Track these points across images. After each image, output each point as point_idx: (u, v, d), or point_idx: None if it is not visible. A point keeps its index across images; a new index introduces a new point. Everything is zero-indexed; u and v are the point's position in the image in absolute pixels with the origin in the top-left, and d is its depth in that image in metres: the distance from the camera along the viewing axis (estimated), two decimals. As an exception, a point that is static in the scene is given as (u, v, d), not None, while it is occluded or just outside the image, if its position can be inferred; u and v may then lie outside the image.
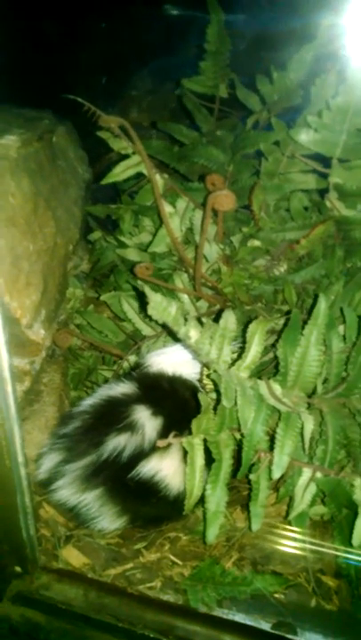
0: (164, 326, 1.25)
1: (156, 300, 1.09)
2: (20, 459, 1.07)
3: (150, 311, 1.09)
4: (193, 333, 1.14)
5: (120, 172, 1.61)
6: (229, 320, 1.22)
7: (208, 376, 1.22)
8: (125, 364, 1.64)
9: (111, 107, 2.44)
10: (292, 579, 1.29)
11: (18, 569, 1.21)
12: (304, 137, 1.45)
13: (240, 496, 1.44)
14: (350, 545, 1.22)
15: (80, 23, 2.29)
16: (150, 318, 1.12)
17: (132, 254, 1.72)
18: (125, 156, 1.62)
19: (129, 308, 1.64)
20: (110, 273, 1.86)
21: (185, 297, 1.61)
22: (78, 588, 1.19)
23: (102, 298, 1.73)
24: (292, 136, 1.49)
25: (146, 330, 1.64)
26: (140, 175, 1.67)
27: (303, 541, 1.35)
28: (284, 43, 1.89)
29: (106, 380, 1.68)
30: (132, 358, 1.63)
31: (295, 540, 1.36)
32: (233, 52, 1.83)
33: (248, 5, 2.10)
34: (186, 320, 1.15)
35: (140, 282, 1.28)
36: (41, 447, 1.41)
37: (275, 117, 1.61)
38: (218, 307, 1.62)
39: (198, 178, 1.78)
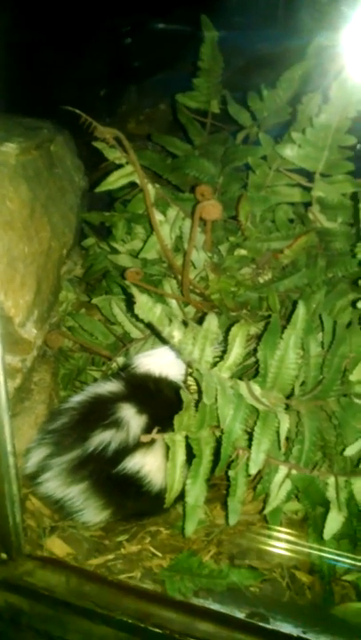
0: (150, 326, 1.31)
1: (142, 300, 1.15)
2: (9, 448, 1.12)
3: (136, 310, 1.15)
4: (176, 333, 1.20)
5: (114, 181, 1.67)
6: (212, 322, 1.28)
7: (191, 375, 1.28)
8: (114, 366, 1.70)
9: (109, 118, 2.52)
10: (267, 574, 1.33)
11: (3, 555, 1.25)
12: (289, 152, 1.52)
13: (220, 494, 1.48)
14: (324, 542, 1.28)
15: (81, 36, 2.37)
16: (138, 319, 1.18)
17: (123, 260, 1.78)
18: (119, 166, 1.69)
19: (119, 311, 1.70)
20: (102, 278, 1.92)
21: (173, 302, 1.67)
22: (60, 575, 1.24)
23: (94, 301, 1.79)
24: (278, 151, 1.56)
25: (135, 332, 1.69)
26: (133, 184, 1.73)
27: (279, 538, 1.40)
28: (275, 61, 1.98)
29: (95, 381, 1.74)
30: (121, 360, 1.69)
31: (271, 536, 1.41)
32: (226, 69, 1.91)
33: (242, 24, 2.18)
34: (170, 321, 1.21)
35: (127, 283, 1.34)
36: (30, 442, 1.47)
37: (263, 133, 1.68)
38: (205, 312, 1.68)
39: (190, 189, 1.85)
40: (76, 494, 1.36)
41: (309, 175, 1.58)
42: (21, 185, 1.52)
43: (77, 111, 1.53)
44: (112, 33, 2.50)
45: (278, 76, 1.75)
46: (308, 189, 1.58)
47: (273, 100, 1.76)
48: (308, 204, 1.61)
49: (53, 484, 1.36)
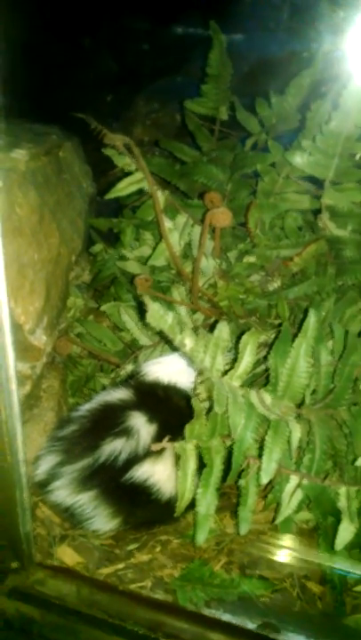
0: (161, 334, 1.31)
1: (154, 308, 1.15)
2: (21, 456, 1.12)
3: (148, 319, 1.15)
4: (188, 341, 1.20)
5: (123, 188, 1.68)
6: (223, 330, 1.27)
7: (201, 383, 1.28)
8: (123, 373, 1.70)
9: (116, 123, 2.52)
10: (277, 583, 1.33)
11: (14, 564, 1.25)
12: (299, 159, 1.52)
13: (230, 503, 1.48)
14: (335, 552, 1.27)
15: (87, 41, 2.37)
16: (148, 327, 1.18)
17: (132, 267, 1.78)
18: (129, 173, 1.69)
19: (128, 318, 1.69)
20: (111, 284, 1.92)
21: (182, 309, 1.66)
22: (72, 584, 1.24)
23: (102, 308, 1.79)
24: (287, 158, 1.56)
25: (143, 339, 1.69)
26: (142, 191, 1.74)
27: (290, 548, 1.40)
28: (284, 67, 1.98)
29: (103, 388, 1.73)
30: (130, 367, 1.69)
31: (282, 546, 1.40)
32: (235, 75, 1.91)
33: (249, 28, 2.18)
34: (182, 329, 1.21)
35: (139, 292, 1.34)
36: (39, 449, 1.46)
37: (272, 140, 1.68)
38: (214, 319, 1.68)
39: (198, 195, 1.85)
40: (86, 502, 1.35)
41: (319, 182, 1.58)
42: (30, 191, 1.52)
43: (88, 118, 1.53)
44: (118, 37, 2.50)
45: (286, 82, 1.75)
46: (317, 197, 1.58)
47: (282, 106, 1.76)
48: (317, 212, 1.61)
49: (64, 493, 1.36)
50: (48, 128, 1.84)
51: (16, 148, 1.55)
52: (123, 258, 1.82)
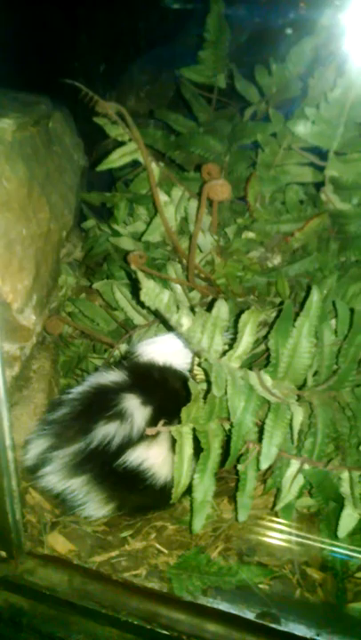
0: (157, 314, 1.24)
1: (149, 286, 1.09)
2: (8, 442, 1.06)
3: (143, 297, 1.09)
4: (185, 321, 1.14)
5: (116, 159, 1.60)
6: (222, 309, 1.21)
7: (199, 365, 1.22)
8: (116, 353, 1.64)
9: (109, 94, 2.43)
10: (277, 570, 1.29)
11: (3, 553, 1.20)
12: (302, 129, 1.45)
13: (228, 487, 1.44)
14: (336, 538, 1.22)
15: (80, 10, 2.28)
16: (143, 306, 1.11)
17: (125, 243, 1.71)
18: (122, 143, 1.61)
19: (121, 296, 1.63)
20: (103, 261, 1.85)
21: (178, 287, 1.60)
22: (63, 573, 1.19)
23: (95, 286, 1.72)
24: (289, 128, 1.48)
25: (137, 319, 1.63)
26: (135, 163, 1.66)
27: (290, 533, 1.35)
28: (284, 35, 1.89)
29: (96, 369, 1.67)
30: (123, 347, 1.63)
31: (282, 532, 1.36)
32: (233, 44, 1.82)
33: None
34: (178, 308, 1.15)
35: (133, 268, 1.28)
36: (29, 433, 1.41)
37: (273, 109, 1.60)
38: (210, 298, 1.62)
39: (195, 167, 1.77)
40: (77, 488, 1.31)
41: (322, 154, 1.51)
42: (18, 163, 1.45)
43: (78, 84, 1.44)
44: (109, 6, 2.40)
45: (284, 51, 1.66)
46: (320, 169, 1.51)
47: (282, 74, 1.67)
48: (320, 185, 1.54)
49: (54, 478, 1.31)
50: (37, 97, 1.76)
51: (2, 118, 1.47)
52: (116, 234, 1.75)
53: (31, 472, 1.35)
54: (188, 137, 1.76)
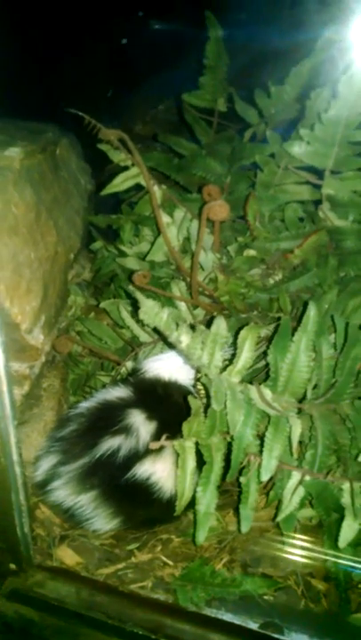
0: (157, 331, 1.28)
1: (147, 304, 1.13)
2: (15, 457, 1.10)
3: (142, 315, 1.13)
4: (184, 338, 1.18)
5: (120, 183, 1.65)
6: (221, 326, 1.25)
7: (199, 380, 1.25)
8: (123, 370, 1.68)
9: (116, 120, 2.49)
10: (281, 581, 1.31)
11: (13, 566, 1.24)
12: (297, 149, 1.49)
13: (232, 500, 1.45)
14: (339, 549, 1.24)
15: (86, 38, 2.35)
16: (145, 324, 1.15)
17: (131, 263, 1.76)
18: (125, 168, 1.66)
19: (127, 315, 1.67)
20: (111, 281, 1.90)
21: (182, 305, 1.64)
22: (71, 585, 1.22)
23: (102, 305, 1.77)
24: (286, 149, 1.52)
25: (143, 336, 1.67)
26: (140, 186, 1.71)
27: (293, 545, 1.37)
28: (283, 58, 1.94)
29: (104, 386, 1.72)
30: (130, 364, 1.67)
31: (285, 543, 1.38)
32: (232, 67, 1.88)
33: (246, 21, 2.15)
34: (177, 325, 1.19)
35: (131, 287, 1.32)
36: (39, 449, 1.45)
37: (270, 130, 1.65)
38: (215, 315, 1.66)
39: (197, 189, 1.82)
40: (85, 502, 1.34)
41: (319, 172, 1.55)
42: (26, 189, 1.51)
43: (80, 113, 1.51)
44: (115, 34, 2.47)
45: (285, 73, 1.71)
46: (317, 187, 1.55)
47: (281, 96, 1.72)
48: (318, 203, 1.58)
49: (63, 493, 1.35)
50: (43, 125, 1.83)
51: (10, 147, 1.54)
52: (122, 254, 1.80)
53: (41, 487, 1.39)
54: (190, 159, 1.82)
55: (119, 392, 1.45)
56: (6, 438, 1.06)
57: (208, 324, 1.36)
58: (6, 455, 1.08)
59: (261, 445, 1.21)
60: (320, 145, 1.48)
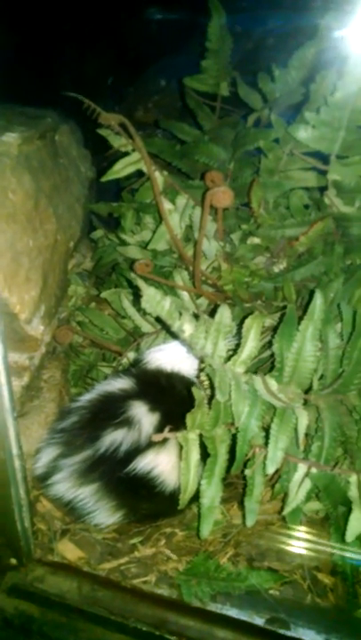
0: (159, 320, 1.25)
1: (149, 293, 1.10)
2: (15, 451, 1.07)
3: (144, 304, 1.10)
4: (187, 327, 1.15)
5: (120, 169, 1.62)
6: (224, 315, 1.22)
7: (202, 370, 1.23)
8: (125, 361, 1.65)
9: (118, 106, 2.45)
10: (287, 575, 1.29)
11: (13, 561, 1.22)
12: (303, 134, 1.45)
13: (237, 493, 1.43)
14: (346, 542, 1.22)
15: (87, 23, 2.31)
16: (147, 313, 1.12)
17: (132, 252, 1.73)
18: (126, 154, 1.63)
19: (129, 304, 1.64)
20: (112, 271, 1.87)
21: (185, 294, 1.61)
22: (72, 580, 1.20)
23: (103, 295, 1.74)
24: (291, 133, 1.48)
25: (145, 327, 1.64)
26: (141, 172, 1.67)
27: (299, 538, 1.35)
28: (286, 41, 1.90)
29: (106, 377, 1.69)
30: (132, 355, 1.64)
31: (292, 536, 1.35)
32: (236, 51, 1.83)
33: (251, 5, 2.10)
34: (180, 314, 1.16)
35: (133, 275, 1.28)
36: (40, 442, 1.42)
37: (275, 115, 1.60)
38: (218, 304, 1.62)
39: (200, 175, 1.78)
40: (87, 496, 1.32)
41: (325, 158, 1.51)
42: (24, 176, 1.47)
43: (80, 97, 1.47)
44: (116, 20, 2.43)
45: (289, 58, 1.67)
46: (323, 173, 1.51)
47: (285, 80, 1.68)
48: (323, 189, 1.54)
49: (64, 486, 1.32)
50: (42, 111, 1.79)
51: (8, 132, 1.50)
52: (123, 243, 1.77)
53: (41, 480, 1.36)
54: (192, 145, 1.78)
55: (121, 383, 1.42)
56: (5, 431, 1.03)
57: (211, 313, 1.33)
58: (5, 449, 1.05)
59: (267, 437, 1.18)
60: (326, 129, 1.43)
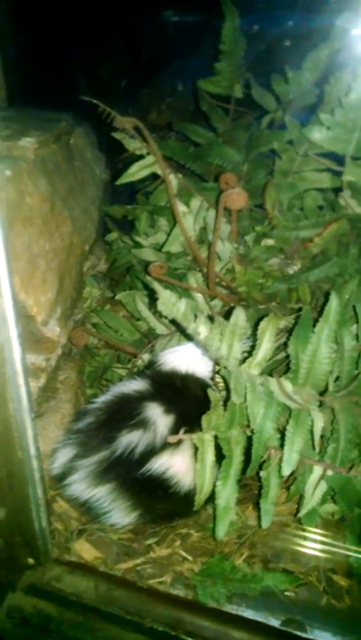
0: (175, 323, 1.26)
1: (165, 295, 1.11)
2: (33, 451, 1.09)
3: (160, 307, 1.11)
4: (202, 329, 1.15)
5: (135, 172, 1.62)
6: (239, 317, 1.22)
7: (217, 372, 1.23)
8: (140, 363, 1.66)
9: (131, 108, 2.46)
10: (303, 577, 1.29)
11: (30, 560, 1.23)
12: (317, 135, 1.45)
13: (252, 494, 1.43)
14: (361, 544, 1.22)
15: (101, 26, 2.32)
16: (162, 315, 1.13)
17: (147, 254, 1.73)
18: (140, 157, 1.64)
19: (143, 306, 1.65)
20: (127, 273, 1.88)
21: (199, 296, 1.61)
22: (89, 580, 1.21)
23: (117, 297, 1.75)
24: (305, 134, 1.48)
25: (160, 328, 1.65)
26: (156, 175, 1.68)
27: (315, 540, 1.35)
28: (300, 43, 1.89)
29: (121, 378, 1.70)
30: (147, 356, 1.65)
31: (307, 538, 1.35)
32: (249, 53, 1.83)
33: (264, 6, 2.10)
34: (196, 316, 1.16)
35: (148, 278, 1.29)
36: (56, 442, 1.44)
37: (289, 116, 1.61)
38: (233, 306, 1.63)
39: (214, 178, 1.79)
40: (103, 496, 1.33)
41: (339, 159, 1.50)
42: (40, 179, 1.49)
43: (95, 101, 1.48)
44: (130, 23, 2.44)
45: (302, 59, 1.67)
46: (338, 174, 1.51)
47: (298, 81, 1.68)
48: (338, 190, 1.54)
49: (80, 486, 1.33)
50: (58, 114, 1.80)
51: (24, 136, 1.51)
52: (138, 245, 1.78)
53: (58, 481, 1.37)
54: (206, 148, 1.78)
55: (136, 385, 1.43)
56: (24, 432, 1.04)
57: (226, 315, 1.34)
58: (23, 449, 1.06)
59: (282, 439, 1.18)
60: (341, 130, 1.43)
